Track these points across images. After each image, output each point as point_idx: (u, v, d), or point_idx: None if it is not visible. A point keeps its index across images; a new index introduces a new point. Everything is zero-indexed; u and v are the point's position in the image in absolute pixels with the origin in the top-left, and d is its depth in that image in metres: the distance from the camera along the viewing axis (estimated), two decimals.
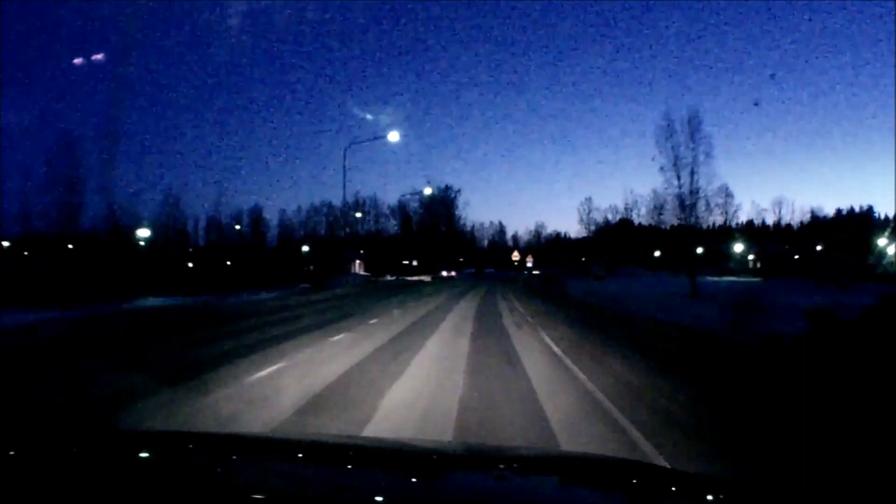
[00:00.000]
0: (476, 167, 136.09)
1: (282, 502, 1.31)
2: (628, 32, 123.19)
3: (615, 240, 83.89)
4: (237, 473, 1.61)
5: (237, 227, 77.56)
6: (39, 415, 6.08)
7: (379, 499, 1.41)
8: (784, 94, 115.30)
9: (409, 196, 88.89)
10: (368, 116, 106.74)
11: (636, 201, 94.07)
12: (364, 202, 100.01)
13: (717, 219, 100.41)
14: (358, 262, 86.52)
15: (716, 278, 55.70)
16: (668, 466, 4.10)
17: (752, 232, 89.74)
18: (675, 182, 25.52)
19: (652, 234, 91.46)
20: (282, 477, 1.56)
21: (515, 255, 45.85)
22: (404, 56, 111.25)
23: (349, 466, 1.76)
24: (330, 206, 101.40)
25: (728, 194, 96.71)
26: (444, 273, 72.84)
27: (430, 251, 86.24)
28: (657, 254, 76.66)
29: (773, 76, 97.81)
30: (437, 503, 1.44)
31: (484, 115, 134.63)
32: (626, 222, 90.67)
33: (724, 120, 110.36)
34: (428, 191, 67.85)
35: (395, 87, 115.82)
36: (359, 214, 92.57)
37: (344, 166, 41.52)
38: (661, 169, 25.88)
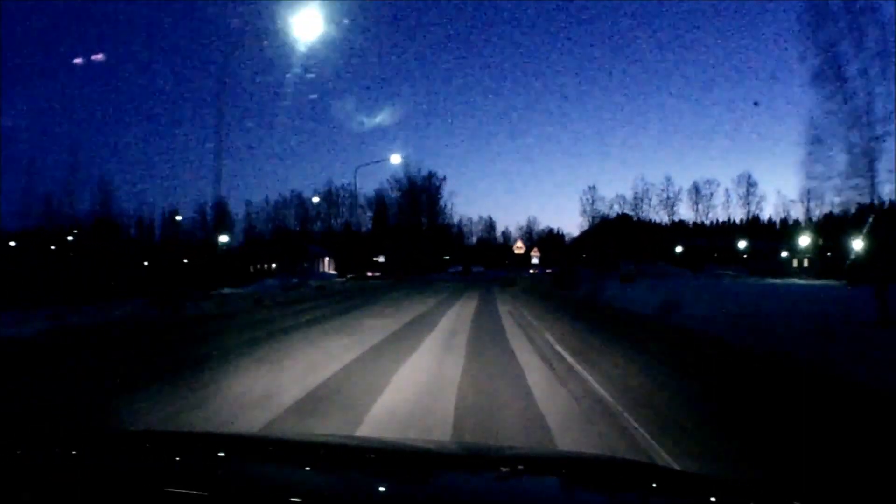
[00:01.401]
0: (463, 157, 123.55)
1: (279, 503, 1.30)
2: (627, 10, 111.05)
3: (620, 235, 73.48)
4: (235, 473, 1.58)
5: (178, 217, 65.40)
6: None
7: (378, 499, 1.41)
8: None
9: (372, 168, 75.15)
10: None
11: (647, 190, 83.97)
12: (337, 192, 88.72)
13: (735, 211, 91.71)
14: (327, 259, 76.30)
15: (775, 280, 44.29)
16: (671, 466, 3.69)
17: (758, 227, 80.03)
18: (844, 106, 13.35)
19: (654, 229, 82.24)
20: (280, 477, 1.53)
21: (519, 246, 33.38)
22: (384, 39, 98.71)
23: (348, 466, 1.71)
24: (300, 196, 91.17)
25: (751, 183, 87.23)
26: (370, 273, 59.53)
27: (415, 245, 74.06)
28: (679, 249, 66.49)
29: (756, 104, 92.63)
30: (437, 503, 1.42)
31: (472, 102, 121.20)
32: (625, 217, 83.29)
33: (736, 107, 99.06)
34: (396, 160, 51.83)
35: (374, 70, 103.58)
36: (316, 199, 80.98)
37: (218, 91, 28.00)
38: (815, 77, 13.73)
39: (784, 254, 66.59)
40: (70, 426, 5.00)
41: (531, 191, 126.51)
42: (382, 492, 1.45)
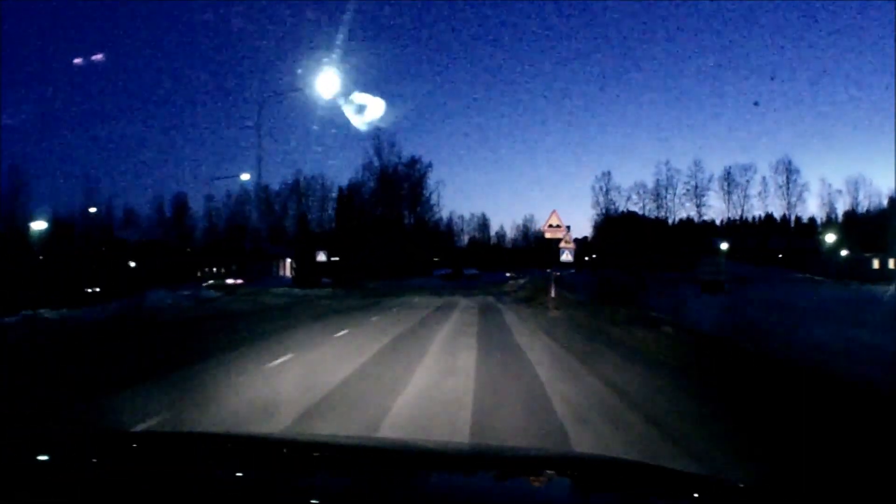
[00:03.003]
0: (452, 146, 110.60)
1: (282, 503, 1.33)
2: None
3: (644, 230, 67.21)
4: (238, 474, 1.60)
5: (91, 209, 52.66)
6: None
7: (382, 499, 1.42)
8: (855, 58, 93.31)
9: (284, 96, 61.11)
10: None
11: (671, 176, 72.56)
12: (306, 184, 76.44)
13: (774, 203, 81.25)
14: (289, 261, 65.51)
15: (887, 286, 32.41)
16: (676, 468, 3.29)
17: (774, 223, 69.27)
18: None
19: (659, 225, 72.17)
20: (283, 477, 1.55)
21: (555, 224, 20.91)
22: (363, 14, 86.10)
23: (351, 466, 1.73)
24: (266, 189, 79.70)
25: (791, 170, 75.18)
26: (230, 281, 44.10)
27: (398, 242, 63.60)
28: (724, 246, 54.74)
29: (756, 104, 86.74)
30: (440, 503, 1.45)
31: (463, 82, 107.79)
32: (630, 214, 75.64)
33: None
34: (327, 87, 29.73)
35: (354, 52, 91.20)
36: (245, 177, 68.36)
37: None
38: None
39: (843, 252, 55.36)
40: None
41: (529, 185, 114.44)
42: (386, 492, 1.45)
